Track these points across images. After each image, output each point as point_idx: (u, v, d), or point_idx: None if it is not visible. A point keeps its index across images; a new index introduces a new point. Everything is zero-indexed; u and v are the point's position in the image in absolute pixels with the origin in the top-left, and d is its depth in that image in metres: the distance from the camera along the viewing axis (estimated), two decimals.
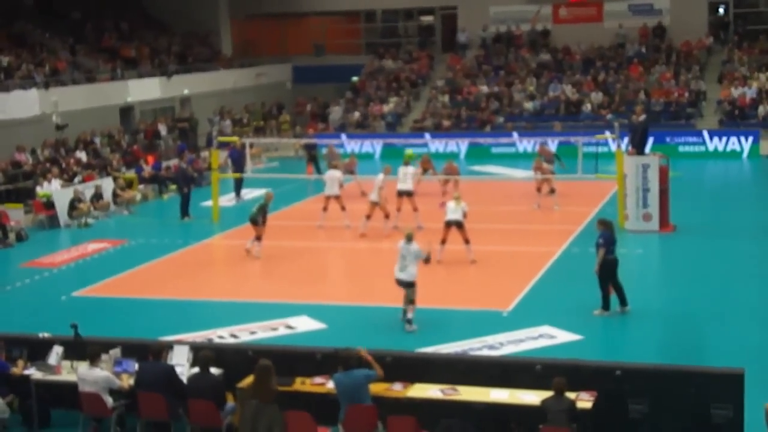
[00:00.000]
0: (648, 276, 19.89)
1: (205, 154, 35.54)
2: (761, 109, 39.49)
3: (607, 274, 16.98)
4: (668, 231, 23.72)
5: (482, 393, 11.99)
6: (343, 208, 24.93)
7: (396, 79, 47.05)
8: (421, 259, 17.04)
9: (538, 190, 27.26)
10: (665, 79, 42.34)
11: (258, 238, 22.34)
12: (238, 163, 30.23)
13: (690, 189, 29.20)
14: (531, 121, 41.14)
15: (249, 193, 30.79)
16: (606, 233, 16.99)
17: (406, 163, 25.40)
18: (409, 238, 17.06)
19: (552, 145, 30.02)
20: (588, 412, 11.32)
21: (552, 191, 27.02)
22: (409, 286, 16.79)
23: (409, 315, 16.77)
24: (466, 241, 20.96)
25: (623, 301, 17.12)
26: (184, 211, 27.72)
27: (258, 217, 22.35)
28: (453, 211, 20.92)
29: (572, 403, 11.12)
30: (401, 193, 24.79)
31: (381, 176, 24.65)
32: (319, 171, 32.10)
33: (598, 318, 17.02)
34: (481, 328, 16.58)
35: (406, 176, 25.03)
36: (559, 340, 15.97)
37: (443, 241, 20.96)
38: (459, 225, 20.90)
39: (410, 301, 16.80)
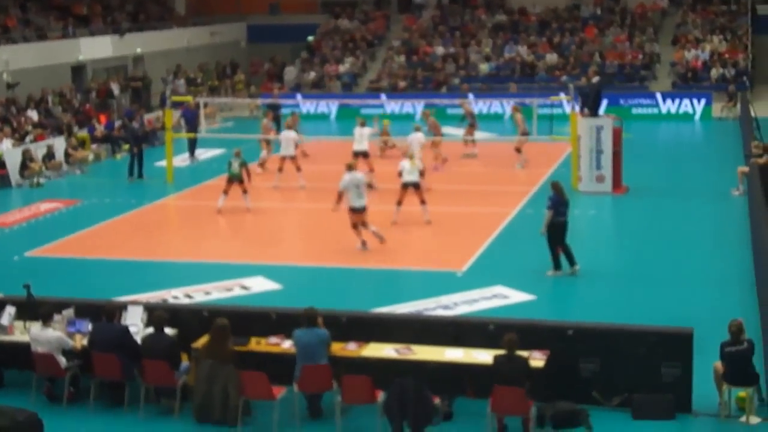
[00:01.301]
0: (600, 237, 20.09)
1: (158, 113, 35.24)
2: (714, 72, 39.86)
3: (555, 235, 17.11)
4: (621, 192, 23.94)
5: (436, 352, 12.08)
6: (298, 169, 24.92)
7: (352, 39, 46.82)
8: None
9: (518, 150, 27.31)
10: (619, 41, 42.57)
11: (245, 191, 22.48)
12: (192, 123, 29.96)
13: (643, 151, 29.44)
14: (487, 82, 41.18)
15: (204, 153, 30.62)
16: (555, 196, 17.10)
17: (362, 124, 25.38)
18: (351, 168, 19.11)
19: (507, 106, 30.16)
20: (540, 371, 11.46)
21: (518, 150, 27.17)
22: (364, 210, 18.73)
23: (373, 228, 18.87)
24: (422, 202, 21.02)
25: (572, 261, 17.28)
26: (132, 171, 27.45)
27: (242, 174, 22.46)
28: (409, 172, 20.93)
29: (525, 361, 11.24)
30: (357, 154, 24.79)
31: (367, 129, 25.29)
32: (279, 132, 31.92)
33: (551, 278, 17.19)
34: (436, 288, 16.69)
35: (362, 137, 25.03)
36: (512, 300, 16.12)
37: (399, 203, 21.01)
38: (416, 186, 20.94)
39: (365, 224, 18.78)
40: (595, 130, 23.77)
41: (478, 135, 30.12)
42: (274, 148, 28.01)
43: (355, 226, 18.97)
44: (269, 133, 28.31)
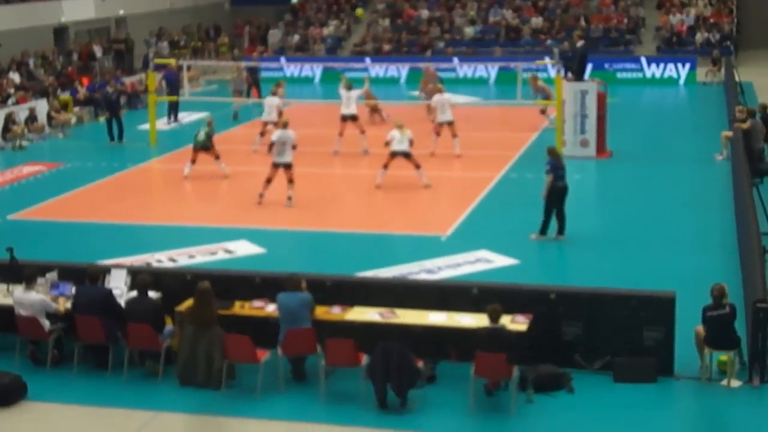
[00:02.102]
0: (584, 201, 20.12)
1: (141, 76, 35.01)
2: (699, 37, 39.84)
3: (554, 200, 17.12)
4: (605, 157, 23.97)
5: (420, 316, 12.13)
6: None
7: (336, 2, 46.54)
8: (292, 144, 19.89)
9: (543, 112, 27.29)
10: (605, 5, 42.46)
11: (217, 157, 22.30)
12: (173, 86, 29.78)
13: (627, 115, 29.46)
14: (471, 46, 41.05)
15: (187, 117, 30.46)
16: (552, 161, 17.11)
17: (349, 87, 25.24)
18: (285, 125, 20.17)
19: (492, 70, 30.10)
20: (523, 335, 11.52)
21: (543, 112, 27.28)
22: (288, 167, 19.81)
23: (290, 193, 19.78)
24: (417, 167, 20.94)
25: (561, 230, 17.30)
26: (111, 136, 27.31)
27: (209, 143, 22.30)
28: (399, 141, 20.84)
29: (508, 333, 11.26)
30: (346, 118, 24.71)
31: (355, 92, 25.09)
32: (261, 95, 31.82)
33: (535, 242, 17.23)
34: (420, 252, 16.72)
35: (350, 100, 24.90)
36: (496, 264, 16.16)
37: (385, 166, 20.97)
38: (406, 155, 20.87)
39: (291, 180, 19.83)
40: (579, 95, 23.75)
41: (462, 99, 30.06)
42: (257, 111, 27.82)
43: (268, 180, 19.96)
44: (239, 86, 28.29)
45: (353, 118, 24.82)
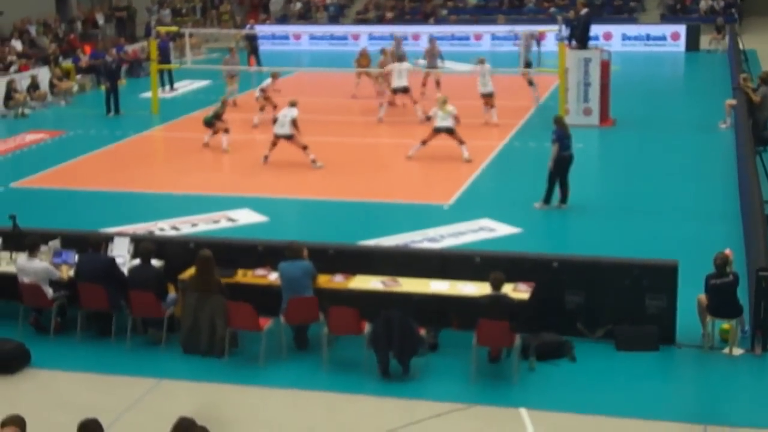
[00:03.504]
0: (587, 170, 20.05)
1: (143, 44, 34.90)
2: (703, 4, 39.62)
3: (558, 169, 17.09)
4: (608, 125, 23.91)
5: (422, 284, 12.14)
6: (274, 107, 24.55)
7: None
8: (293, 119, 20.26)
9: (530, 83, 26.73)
10: None
11: (226, 131, 22.11)
12: (165, 55, 29.59)
13: (630, 83, 29.35)
14: (475, 14, 40.85)
15: (189, 85, 30.39)
16: (559, 130, 17.06)
17: (401, 59, 25.11)
18: (293, 104, 20.41)
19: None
20: (525, 303, 11.53)
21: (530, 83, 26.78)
22: (289, 138, 20.29)
23: (312, 156, 20.29)
24: (461, 143, 20.71)
25: (564, 199, 17.28)
26: (108, 107, 27.06)
27: (213, 121, 22.15)
28: (442, 117, 20.56)
29: (511, 301, 11.26)
30: (397, 90, 24.75)
31: (406, 64, 24.96)
32: (259, 63, 31.71)
33: (537, 211, 17.22)
34: (423, 221, 16.71)
35: (402, 73, 24.64)
36: (499, 233, 16.16)
37: (424, 142, 20.80)
38: (449, 131, 20.69)
39: (304, 147, 20.35)
40: (583, 63, 23.64)
41: (465, 67, 29.92)
42: (258, 79, 27.65)
43: (274, 144, 20.66)
44: (233, 70, 27.94)
45: (405, 90, 24.68)
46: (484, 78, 24.17)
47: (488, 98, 24.16)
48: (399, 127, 24.09)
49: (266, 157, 20.71)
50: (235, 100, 27.00)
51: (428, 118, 21.24)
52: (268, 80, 24.71)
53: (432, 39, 28.15)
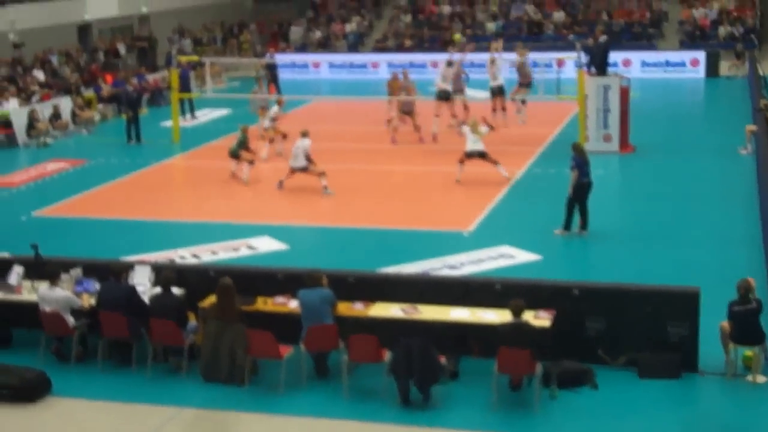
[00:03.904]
0: (607, 196, 20.03)
1: (164, 73, 35.14)
2: (722, 30, 39.60)
3: (577, 196, 17.06)
4: (628, 152, 23.87)
5: (442, 312, 12.11)
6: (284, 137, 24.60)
7: None
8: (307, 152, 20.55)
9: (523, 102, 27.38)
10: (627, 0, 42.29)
11: (251, 162, 22.02)
12: (185, 83, 29.81)
13: (650, 110, 29.31)
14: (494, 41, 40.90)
15: (209, 114, 30.55)
16: (577, 157, 17.05)
17: (450, 63, 25.62)
18: (305, 134, 20.62)
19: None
20: (546, 331, 11.48)
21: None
22: (305, 170, 20.55)
23: (324, 182, 20.47)
24: (495, 163, 21.01)
25: (584, 225, 17.25)
26: (129, 135, 27.21)
27: (238, 151, 22.06)
28: (474, 141, 20.82)
29: (531, 328, 11.21)
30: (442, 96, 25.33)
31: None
32: (279, 91, 31.86)
33: (558, 238, 17.18)
34: (442, 248, 16.70)
35: (446, 79, 25.33)
36: (519, 260, 16.12)
37: (462, 161, 21.11)
38: (482, 155, 20.89)
39: (320, 174, 20.57)
40: (602, 89, 23.65)
41: (483, 95, 29.94)
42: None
43: (292, 172, 20.84)
44: (263, 101, 27.82)
45: (501, 91, 25.54)
46: (497, 72, 25.01)
47: (499, 94, 24.73)
48: (419, 155, 24.10)
49: (281, 183, 21.01)
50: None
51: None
52: (275, 108, 24.74)
53: (454, 61, 28.28)
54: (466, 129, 21.31)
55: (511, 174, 21.70)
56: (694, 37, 39.63)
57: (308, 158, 20.58)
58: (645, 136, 24.88)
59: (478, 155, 20.84)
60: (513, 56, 27.08)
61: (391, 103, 27.82)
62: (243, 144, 22.23)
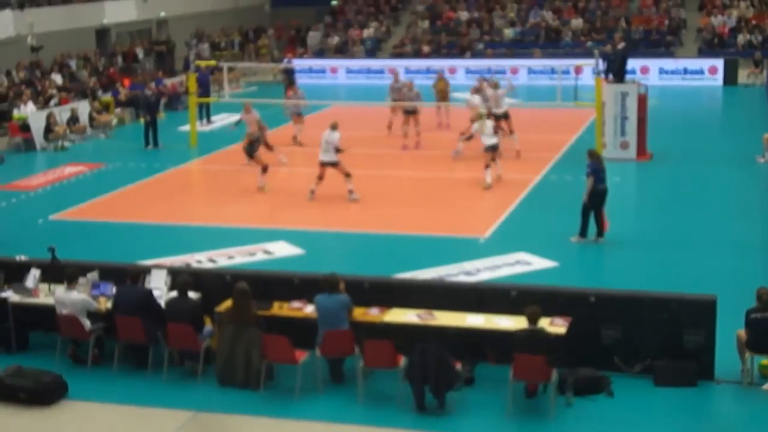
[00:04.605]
0: (624, 204, 20.00)
1: (182, 78, 35.26)
2: (740, 38, 39.46)
3: (593, 203, 17.03)
4: (645, 159, 23.81)
5: (458, 318, 12.10)
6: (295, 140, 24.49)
7: (376, 4, 46.59)
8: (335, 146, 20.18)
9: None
10: (646, 7, 42.19)
11: (264, 168, 21.67)
12: (205, 87, 29.92)
13: (668, 117, 29.23)
14: (511, 47, 40.94)
15: (227, 118, 30.59)
16: (593, 164, 17.01)
17: (495, 86, 25.11)
18: (334, 127, 20.24)
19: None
20: (562, 338, 11.46)
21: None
22: (335, 165, 20.16)
23: (350, 186, 20.19)
24: (511, 132, 22.68)
25: (600, 233, 17.20)
26: (147, 140, 27.24)
27: (251, 150, 21.75)
28: (490, 136, 21.31)
29: (547, 336, 11.18)
30: (498, 117, 24.29)
31: (501, 90, 24.83)
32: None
33: (574, 245, 17.14)
34: (458, 254, 16.68)
35: (498, 100, 24.74)
36: (535, 266, 16.09)
37: (487, 166, 21.28)
38: (496, 149, 21.46)
39: (347, 174, 20.23)
40: (620, 97, 23.61)
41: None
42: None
43: (319, 177, 20.41)
44: (296, 107, 27.39)
45: (505, 116, 24.80)
46: (498, 101, 24.41)
47: (503, 120, 24.26)
48: (435, 161, 24.10)
49: (312, 192, 20.55)
50: (299, 138, 26.71)
51: (470, 138, 22.24)
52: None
53: (481, 78, 28.45)
54: (476, 125, 21.66)
55: (527, 181, 21.67)
56: (712, 45, 39.50)
57: (338, 152, 20.27)
58: (662, 144, 24.81)
59: (493, 149, 21.24)
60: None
61: (441, 109, 27.83)
62: (253, 143, 21.85)
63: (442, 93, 28.51)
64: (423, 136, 25.84)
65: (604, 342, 11.92)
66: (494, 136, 21.37)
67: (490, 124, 21.49)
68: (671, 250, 16.86)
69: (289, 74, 32.94)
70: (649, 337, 11.83)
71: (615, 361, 11.89)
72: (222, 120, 30.69)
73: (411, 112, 25.68)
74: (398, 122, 25.92)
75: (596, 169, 16.97)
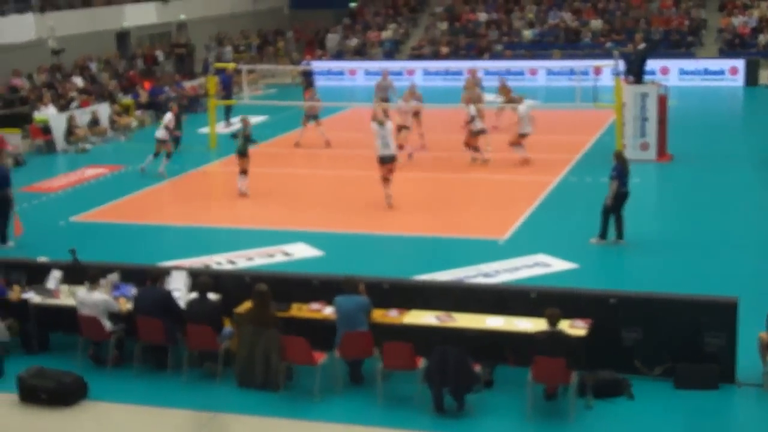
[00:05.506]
0: (644, 205, 19.91)
1: (201, 80, 35.35)
2: (761, 38, 39.24)
3: (615, 205, 16.97)
4: (666, 160, 23.71)
5: (477, 320, 12.08)
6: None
7: (394, 6, 46.60)
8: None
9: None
10: (665, 7, 42.02)
11: (243, 171, 21.37)
12: (228, 89, 30.13)
13: (688, 118, 29.11)
14: (530, 48, 40.87)
15: None
16: (619, 166, 16.95)
17: (520, 101, 24.86)
18: (381, 122, 19.61)
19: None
20: (582, 340, 11.42)
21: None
22: (394, 160, 19.66)
23: (388, 191, 19.69)
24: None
25: (620, 234, 17.14)
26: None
27: (246, 148, 21.41)
28: (528, 122, 23.16)
29: (567, 337, 11.15)
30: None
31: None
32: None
33: (594, 246, 17.08)
34: (477, 256, 16.66)
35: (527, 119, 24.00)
36: (555, 268, 16.05)
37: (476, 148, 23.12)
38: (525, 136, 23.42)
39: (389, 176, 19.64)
40: (639, 97, 23.52)
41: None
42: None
43: (384, 179, 19.70)
44: (314, 109, 27.20)
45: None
46: (524, 119, 23.48)
47: (522, 137, 23.69)
48: (452, 163, 24.06)
49: (389, 198, 19.73)
50: (328, 141, 26.66)
51: (472, 119, 23.24)
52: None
53: (502, 78, 28.48)
54: (521, 109, 23.06)
55: (546, 182, 21.63)
56: (733, 45, 39.31)
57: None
58: (683, 145, 24.70)
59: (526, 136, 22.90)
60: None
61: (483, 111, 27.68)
62: (247, 138, 21.49)
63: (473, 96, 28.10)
64: (437, 138, 25.76)
65: (625, 344, 11.87)
66: (530, 125, 22.94)
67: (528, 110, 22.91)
68: (692, 251, 16.78)
69: (308, 76, 32.98)
70: (670, 339, 11.77)
71: (635, 363, 11.84)
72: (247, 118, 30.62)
73: (415, 114, 25.59)
74: (415, 126, 25.72)
75: (621, 171, 16.90)
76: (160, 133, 23.90)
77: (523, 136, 23.49)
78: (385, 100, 26.32)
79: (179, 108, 28.28)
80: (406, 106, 24.58)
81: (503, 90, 27.98)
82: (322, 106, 27.92)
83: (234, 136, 21.85)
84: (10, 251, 17.53)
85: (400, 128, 23.82)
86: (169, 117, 24.28)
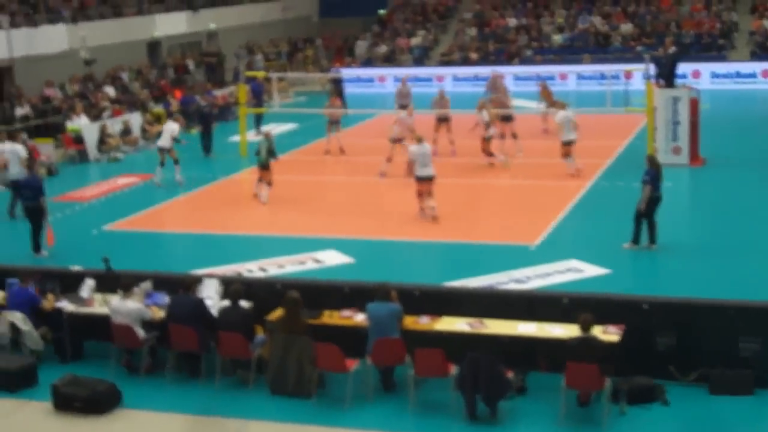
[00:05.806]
0: (677, 209, 19.78)
1: (232, 88, 35.51)
2: None
3: (648, 210, 16.86)
4: (698, 164, 23.55)
5: (509, 326, 12.04)
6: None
7: (423, 12, 46.60)
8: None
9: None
10: (696, 10, 41.76)
11: (269, 183, 21.50)
12: (259, 97, 30.30)
13: (721, 122, 28.89)
14: (560, 53, 40.74)
15: (277, 128, 30.70)
16: (652, 170, 16.84)
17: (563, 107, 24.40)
18: (420, 140, 19.56)
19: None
20: (615, 346, 11.35)
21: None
22: (430, 179, 19.33)
23: (432, 203, 19.33)
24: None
25: (653, 239, 17.03)
26: (205, 148, 27.70)
27: (269, 161, 21.50)
28: (570, 131, 22.63)
29: (600, 343, 11.08)
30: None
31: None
32: (345, 106, 31.95)
33: (626, 252, 16.98)
34: (509, 262, 16.60)
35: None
36: (587, 274, 15.96)
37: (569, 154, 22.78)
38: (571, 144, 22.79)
39: (430, 193, 19.40)
40: (671, 101, 23.38)
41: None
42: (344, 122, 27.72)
43: (420, 194, 19.43)
44: (335, 115, 27.35)
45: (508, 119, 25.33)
46: (567, 124, 22.85)
47: (567, 146, 22.92)
48: (483, 169, 24.01)
49: (434, 214, 19.41)
50: (341, 147, 26.75)
51: (487, 125, 23.36)
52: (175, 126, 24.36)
53: (542, 82, 28.39)
54: (561, 117, 22.68)
55: (578, 187, 21.53)
56: (765, 48, 38.97)
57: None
58: (715, 149, 24.52)
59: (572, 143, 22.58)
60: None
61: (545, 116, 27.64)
62: (270, 150, 21.63)
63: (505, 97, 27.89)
64: (467, 144, 25.72)
65: (659, 350, 11.79)
66: (574, 131, 22.48)
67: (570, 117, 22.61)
68: (725, 256, 16.64)
69: (337, 84, 33.04)
70: (705, 344, 11.68)
71: (670, 369, 11.75)
72: (272, 130, 30.67)
73: (443, 120, 25.58)
74: (441, 133, 25.64)
75: (654, 176, 16.80)
76: (163, 142, 24.00)
77: (567, 144, 22.59)
78: (405, 107, 26.30)
79: (210, 116, 28.47)
80: (408, 119, 24.33)
81: (545, 93, 27.94)
82: (344, 113, 27.92)
83: (257, 153, 21.72)
84: (44, 260, 17.67)
85: (396, 141, 23.76)
86: (175, 127, 24.36)
